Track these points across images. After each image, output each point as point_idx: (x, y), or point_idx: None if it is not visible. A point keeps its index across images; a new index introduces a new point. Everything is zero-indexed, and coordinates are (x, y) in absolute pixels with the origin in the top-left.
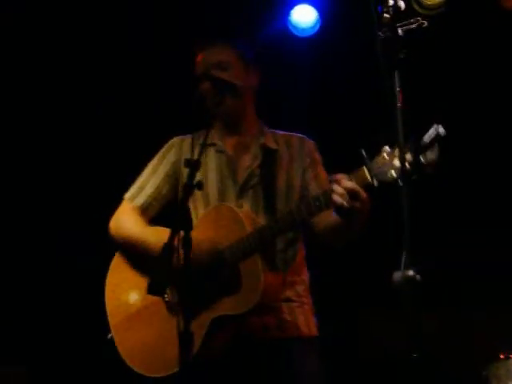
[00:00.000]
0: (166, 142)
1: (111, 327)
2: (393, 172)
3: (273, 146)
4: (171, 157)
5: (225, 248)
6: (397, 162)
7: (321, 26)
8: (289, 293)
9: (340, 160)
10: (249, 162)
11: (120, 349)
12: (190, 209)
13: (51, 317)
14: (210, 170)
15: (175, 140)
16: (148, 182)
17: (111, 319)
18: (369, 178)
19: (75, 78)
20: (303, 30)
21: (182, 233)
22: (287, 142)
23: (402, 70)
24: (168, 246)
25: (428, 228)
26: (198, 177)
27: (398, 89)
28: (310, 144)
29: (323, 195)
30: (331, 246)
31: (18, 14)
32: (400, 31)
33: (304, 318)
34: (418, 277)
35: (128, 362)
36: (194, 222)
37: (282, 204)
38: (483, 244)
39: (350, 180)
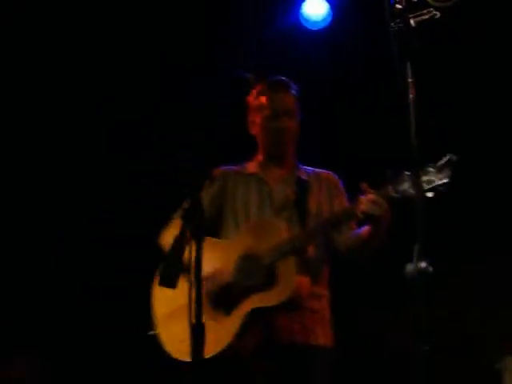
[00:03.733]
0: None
1: (157, 321)
2: (412, 190)
3: (305, 177)
4: (214, 190)
5: (263, 251)
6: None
7: (332, 19)
8: (314, 304)
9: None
10: (285, 190)
11: (164, 339)
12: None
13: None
14: (252, 194)
15: (219, 172)
16: None
17: (157, 314)
18: (393, 193)
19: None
20: (315, 22)
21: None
22: (317, 175)
23: (414, 62)
24: (179, 239)
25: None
26: (240, 198)
27: (410, 80)
28: (336, 178)
29: (345, 210)
30: (355, 261)
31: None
32: (412, 22)
33: (323, 329)
34: (430, 269)
35: (167, 347)
36: (233, 232)
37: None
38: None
39: (378, 194)
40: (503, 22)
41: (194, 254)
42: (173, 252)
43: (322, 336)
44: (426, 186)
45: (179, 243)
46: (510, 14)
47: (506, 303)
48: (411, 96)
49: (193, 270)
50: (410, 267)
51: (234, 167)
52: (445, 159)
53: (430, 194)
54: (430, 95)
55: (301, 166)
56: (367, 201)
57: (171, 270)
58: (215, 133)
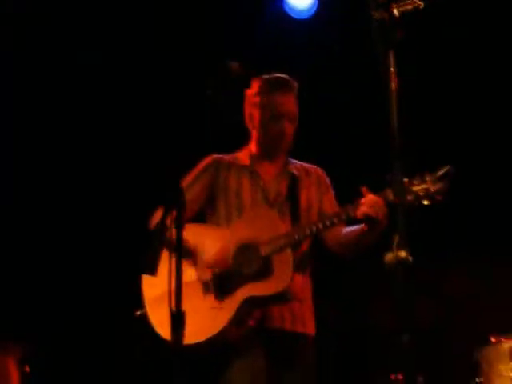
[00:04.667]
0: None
1: (146, 302)
2: (410, 196)
3: (296, 173)
4: (206, 177)
5: (261, 243)
6: (413, 190)
7: (317, 8)
8: (301, 294)
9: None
10: (277, 184)
11: (152, 319)
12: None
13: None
14: (245, 187)
15: (213, 159)
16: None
17: (146, 295)
18: (392, 198)
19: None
20: (300, 12)
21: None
22: (306, 170)
23: (397, 52)
24: (159, 227)
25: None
26: (232, 190)
27: (392, 69)
28: (324, 174)
29: (346, 210)
30: (342, 256)
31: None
32: (396, 12)
33: (310, 318)
34: (410, 258)
35: (158, 330)
36: (225, 225)
37: (304, 218)
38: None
39: (378, 197)
40: (487, 12)
41: (174, 241)
42: (153, 240)
43: (309, 324)
44: (424, 194)
45: (160, 231)
46: (494, 4)
47: (486, 292)
48: (393, 86)
49: (174, 257)
50: (389, 256)
51: (225, 156)
52: (443, 170)
53: (425, 202)
54: (413, 86)
55: (291, 160)
56: (369, 203)
57: (151, 257)
58: (199, 122)
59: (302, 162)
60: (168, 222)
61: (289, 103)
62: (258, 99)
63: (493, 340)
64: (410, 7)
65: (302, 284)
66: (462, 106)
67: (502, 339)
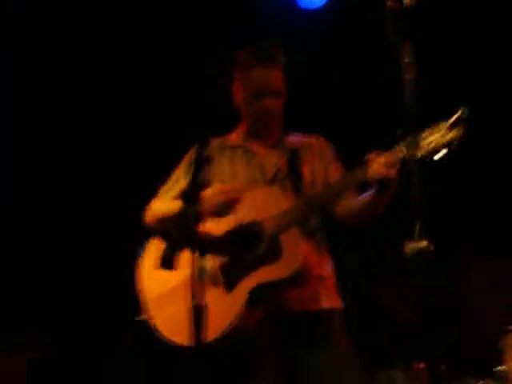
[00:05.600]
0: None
1: (148, 304)
2: (424, 149)
3: (295, 146)
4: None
5: (265, 221)
6: (428, 140)
7: None
8: (319, 271)
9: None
10: (275, 159)
11: (157, 322)
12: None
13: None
14: (239, 168)
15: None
16: (171, 188)
17: (148, 297)
18: (403, 153)
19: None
20: (310, 1)
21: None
22: (307, 142)
23: (411, 41)
24: (179, 220)
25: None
26: (226, 172)
27: (406, 60)
28: (328, 143)
29: (354, 174)
30: (352, 226)
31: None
32: (409, 1)
33: (334, 294)
34: (431, 247)
35: (165, 333)
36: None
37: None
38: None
39: (388, 155)
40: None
41: (193, 236)
42: (175, 235)
43: (335, 299)
44: (439, 145)
45: (181, 226)
46: None
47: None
48: (407, 76)
49: (194, 252)
50: (410, 245)
51: (215, 140)
52: (457, 114)
53: (443, 151)
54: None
55: (289, 133)
56: (379, 164)
57: (172, 252)
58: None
59: (302, 133)
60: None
61: (270, 77)
62: (239, 74)
63: None
64: None
65: (318, 260)
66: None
67: None
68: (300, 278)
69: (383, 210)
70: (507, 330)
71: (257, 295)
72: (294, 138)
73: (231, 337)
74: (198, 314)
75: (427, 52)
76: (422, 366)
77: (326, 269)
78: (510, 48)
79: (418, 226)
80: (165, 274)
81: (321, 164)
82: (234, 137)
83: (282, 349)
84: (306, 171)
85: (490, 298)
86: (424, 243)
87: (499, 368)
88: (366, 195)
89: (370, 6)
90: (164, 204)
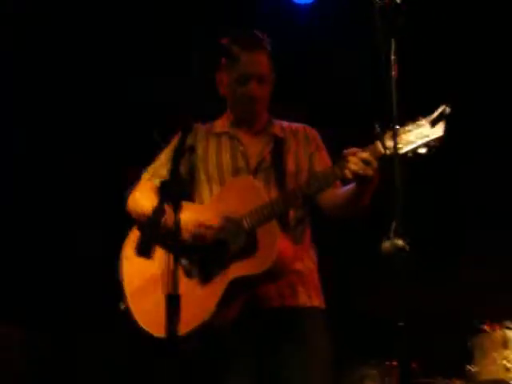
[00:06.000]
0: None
1: (127, 294)
2: (404, 146)
3: (280, 134)
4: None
5: (242, 215)
6: (407, 137)
7: None
8: (299, 266)
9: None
10: (260, 148)
11: (135, 312)
12: (190, 179)
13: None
14: (225, 154)
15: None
16: (162, 167)
17: (127, 287)
18: (382, 150)
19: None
20: None
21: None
22: (293, 131)
23: (399, 38)
24: (157, 210)
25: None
26: (212, 160)
27: (393, 57)
28: (314, 132)
29: (332, 171)
30: (339, 218)
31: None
32: None
33: (314, 291)
34: (407, 246)
35: (142, 324)
36: (208, 198)
37: (292, 184)
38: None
39: (365, 152)
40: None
41: (172, 225)
42: (151, 222)
43: (316, 298)
44: (419, 142)
45: (157, 213)
46: None
47: (481, 280)
48: (393, 73)
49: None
50: (386, 244)
51: (202, 126)
52: (438, 111)
53: (422, 150)
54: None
55: (274, 121)
56: (357, 160)
57: (148, 239)
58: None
59: (288, 122)
60: (164, 205)
61: (256, 63)
62: (223, 61)
63: (486, 328)
64: None
65: (297, 254)
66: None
67: (496, 327)
68: (276, 273)
69: (368, 203)
70: (477, 330)
71: (234, 288)
72: (280, 126)
73: (206, 332)
74: (171, 303)
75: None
76: (393, 363)
77: (307, 263)
78: (495, 46)
79: (394, 225)
80: (144, 262)
81: (306, 153)
82: (220, 123)
83: (258, 345)
84: (291, 161)
85: (464, 297)
86: (400, 242)
87: (469, 367)
88: (349, 187)
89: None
90: (143, 195)
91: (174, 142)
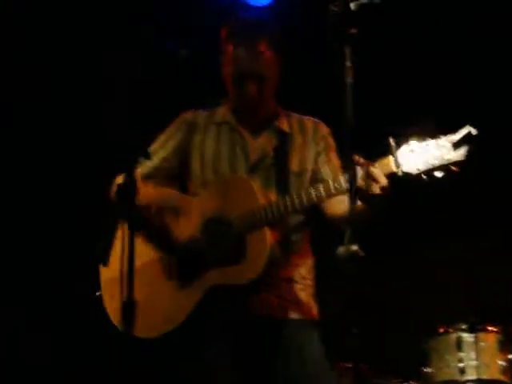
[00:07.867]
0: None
1: (102, 284)
2: (420, 165)
3: (286, 129)
4: (181, 133)
5: (233, 217)
6: (425, 156)
7: None
8: (291, 273)
9: None
10: (262, 143)
11: (107, 306)
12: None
13: None
14: (223, 146)
15: (188, 115)
16: (155, 154)
17: (104, 277)
18: (394, 167)
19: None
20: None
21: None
22: (301, 125)
23: (353, 46)
24: (111, 219)
25: None
26: (209, 151)
27: (348, 64)
28: (325, 129)
29: (330, 186)
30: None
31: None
32: (352, 6)
33: (306, 300)
34: (360, 252)
35: (113, 320)
36: (203, 192)
37: (294, 186)
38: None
39: (374, 167)
40: (444, 6)
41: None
42: (105, 231)
43: (306, 308)
44: (437, 164)
45: (111, 222)
46: None
47: (435, 282)
48: (349, 80)
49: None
50: (341, 249)
51: (203, 112)
52: (462, 132)
53: (439, 174)
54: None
55: (282, 113)
56: (362, 175)
57: (103, 248)
58: (145, 110)
59: (298, 114)
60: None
61: (253, 60)
62: (222, 55)
63: (441, 330)
64: (365, 1)
65: (290, 262)
66: (416, 98)
67: (450, 330)
68: (262, 283)
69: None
70: (433, 333)
71: (211, 295)
72: (287, 119)
73: (182, 339)
74: (127, 310)
75: (368, 55)
76: (347, 365)
77: (300, 271)
78: (456, 50)
79: (348, 232)
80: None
81: (313, 150)
82: (222, 112)
83: (243, 353)
84: (295, 160)
85: (419, 300)
86: (355, 247)
87: (424, 369)
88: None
89: (313, 9)
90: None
91: (169, 130)
